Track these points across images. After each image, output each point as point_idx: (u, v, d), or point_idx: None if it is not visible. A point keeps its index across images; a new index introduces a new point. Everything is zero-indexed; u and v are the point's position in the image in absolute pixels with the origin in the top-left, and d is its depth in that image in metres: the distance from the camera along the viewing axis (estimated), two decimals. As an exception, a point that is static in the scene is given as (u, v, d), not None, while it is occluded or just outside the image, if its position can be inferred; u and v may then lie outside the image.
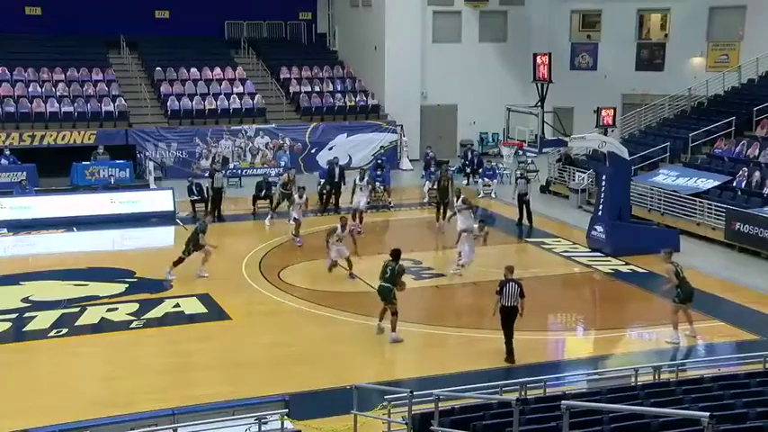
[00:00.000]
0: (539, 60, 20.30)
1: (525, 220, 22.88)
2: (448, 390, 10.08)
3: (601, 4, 33.56)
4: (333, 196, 24.88)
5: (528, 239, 21.64)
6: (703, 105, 28.84)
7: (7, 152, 26.95)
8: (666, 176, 24.25)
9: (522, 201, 22.96)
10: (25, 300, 16.44)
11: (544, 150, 22.34)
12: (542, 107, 19.93)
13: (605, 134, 23.99)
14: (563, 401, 7.71)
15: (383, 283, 14.43)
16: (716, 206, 21.22)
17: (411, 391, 9.58)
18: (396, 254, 14.67)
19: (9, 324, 15.12)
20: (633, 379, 10.94)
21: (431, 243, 22.03)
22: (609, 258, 19.56)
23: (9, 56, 30.59)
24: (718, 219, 20.96)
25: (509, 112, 21.37)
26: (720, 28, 30.99)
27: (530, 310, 16.25)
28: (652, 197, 23.28)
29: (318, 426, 10.40)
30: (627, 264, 19.19)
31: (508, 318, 13.43)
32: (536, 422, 8.57)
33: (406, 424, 9.63)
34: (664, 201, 22.85)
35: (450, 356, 14.01)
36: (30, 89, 29.60)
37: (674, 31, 32.29)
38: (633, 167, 22.94)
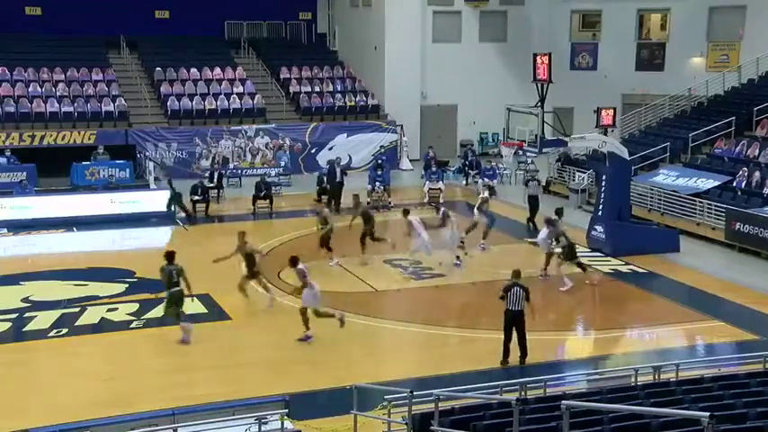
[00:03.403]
0: (539, 60, 20.28)
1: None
2: (448, 390, 10.08)
3: (601, 4, 33.56)
4: (334, 197, 24.87)
5: (527, 239, 21.63)
6: (703, 105, 28.85)
7: (7, 152, 26.95)
8: (666, 176, 24.25)
9: (533, 203, 23.00)
10: (25, 300, 16.44)
11: (544, 150, 22.29)
12: (542, 107, 19.92)
13: (605, 134, 23.94)
14: (563, 401, 7.71)
15: (176, 288, 14.31)
16: (716, 206, 21.22)
17: (411, 391, 9.58)
18: (293, 261, 14.57)
19: (9, 324, 15.12)
20: (633, 379, 10.94)
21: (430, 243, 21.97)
22: (609, 258, 19.56)
23: (9, 56, 30.59)
24: (718, 219, 20.96)
25: (509, 112, 21.35)
26: (720, 28, 31.00)
27: (530, 310, 16.34)
28: (652, 197, 23.28)
29: (318, 426, 10.40)
30: (627, 264, 19.19)
31: (513, 322, 13.28)
32: (536, 422, 8.57)
33: (405, 424, 9.63)
34: (664, 201, 22.85)
35: (450, 356, 14.01)
36: (30, 89, 29.60)
37: (674, 31, 32.31)
38: (633, 167, 22.94)
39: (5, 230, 22.07)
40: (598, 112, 25.70)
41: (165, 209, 23.30)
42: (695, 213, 21.73)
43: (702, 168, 24.20)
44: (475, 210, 20.53)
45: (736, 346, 14.42)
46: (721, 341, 14.83)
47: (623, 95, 32.22)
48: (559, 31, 33.90)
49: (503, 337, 13.34)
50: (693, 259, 19.61)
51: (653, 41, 33.34)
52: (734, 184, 22.44)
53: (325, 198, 25.25)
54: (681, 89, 29.62)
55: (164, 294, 14.38)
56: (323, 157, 29.59)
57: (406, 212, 19.26)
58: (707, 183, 22.90)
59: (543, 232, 18.23)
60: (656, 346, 14.85)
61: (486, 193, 20.96)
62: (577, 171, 26.52)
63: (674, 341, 15.12)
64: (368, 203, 25.39)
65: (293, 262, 14.56)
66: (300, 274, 14.37)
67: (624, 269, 18.96)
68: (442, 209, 19.41)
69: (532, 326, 15.42)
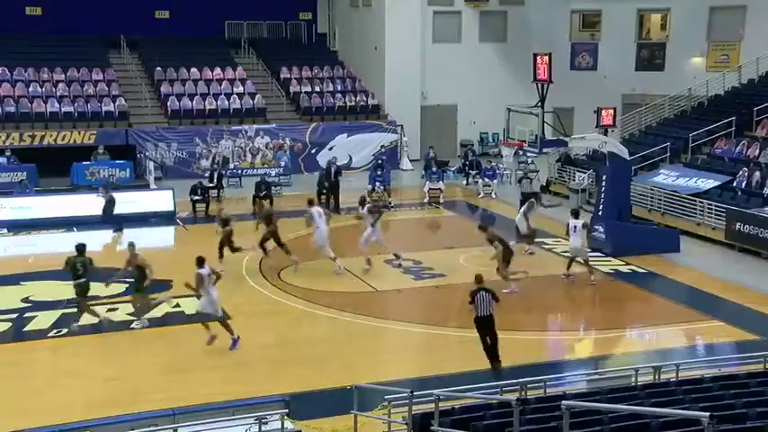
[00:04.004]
0: (539, 60, 20.28)
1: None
2: (448, 390, 10.08)
3: (601, 4, 33.57)
4: (332, 196, 24.89)
5: (545, 203, 21.59)
6: (703, 105, 28.85)
7: (7, 152, 26.95)
8: (667, 176, 24.25)
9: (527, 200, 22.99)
10: (25, 300, 16.45)
11: (544, 150, 22.30)
12: (542, 107, 19.92)
13: (605, 134, 23.97)
14: (563, 401, 7.72)
15: (80, 281, 14.51)
16: (716, 206, 21.21)
17: (411, 391, 9.58)
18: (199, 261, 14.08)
19: (9, 324, 15.13)
20: (633, 379, 10.94)
21: (431, 243, 22.02)
22: (609, 258, 19.55)
23: (9, 56, 30.59)
24: (718, 219, 20.96)
25: (509, 113, 21.34)
26: (720, 28, 31.01)
27: (530, 310, 16.37)
28: (652, 197, 23.27)
29: (319, 426, 10.40)
30: (627, 264, 19.19)
31: (484, 327, 13.07)
32: (536, 422, 8.56)
33: (406, 424, 9.63)
34: (664, 201, 22.84)
35: (450, 356, 14.00)
36: (30, 89, 29.60)
37: (675, 31, 32.32)
38: (633, 167, 22.94)
39: (5, 230, 22.07)
40: (598, 112, 25.74)
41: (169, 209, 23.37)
42: (695, 213, 21.73)
43: (703, 168, 24.20)
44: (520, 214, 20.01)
45: (736, 347, 14.41)
46: (721, 341, 14.82)
47: (623, 95, 32.23)
48: (559, 31, 33.90)
49: (481, 343, 13.10)
50: (693, 259, 19.60)
51: (653, 41, 33.35)
52: (734, 185, 22.44)
53: (324, 198, 25.27)
54: (681, 89, 29.62)
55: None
56: (323, 157, 29.58)
57: (310, 202, 19.15)
58: (707, 183, 22.90)
59: (573, 240, 17.82)
60: (656, 347, 14.85)
61: (533, 199, 20.86)
62: (577, 171, 26.52)
63: (675, 341, 15.11)
64: (366, 203, 25.39)
65: (199, 262, 13.98)
66: (197, 278, 13.86)
67: (624, 269, 18.95)
68: (367, 206, 18.98)
69: (532, 326, 15.47)
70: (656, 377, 11.18)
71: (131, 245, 15.55)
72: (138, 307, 15.16)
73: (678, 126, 27.97)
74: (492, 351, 13.11)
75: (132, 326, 14.99)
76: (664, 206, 22.79)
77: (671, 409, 8.16)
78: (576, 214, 18.19)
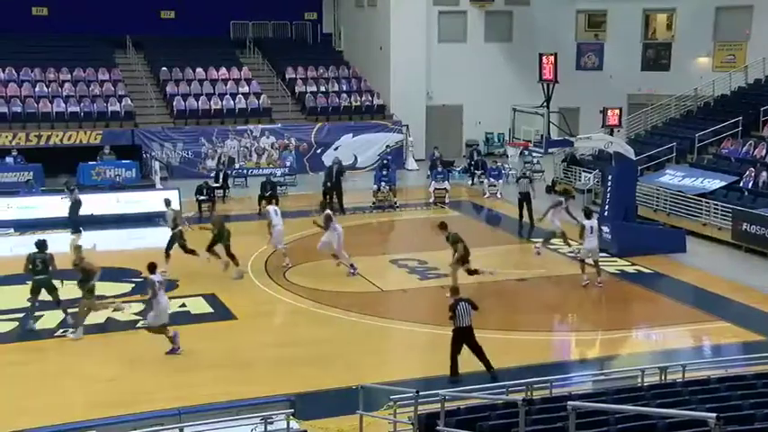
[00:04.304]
0: (544, 60, 20.27)
1: (526, 219, 22.90)
2: (454, 390, 10.09)
3: (606, 4, 33.51)
4: (332, 196, 24.88)
5: (533, 240, 21.59)
6: (710, 105, 28.78)
7: (14, 152, 27.02)
8: (673, 177, 24.20)
9: (525, 200, 22.99)
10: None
11: (550, 150, 22.31)
12: (548, 107, 19.91)
13: (611, 134, 23.92)
14: (569, 402, 7.70)
15: (40, 277, 14.53)
16: (722, 206, 21.16)
17: (417, 391, 9.58)
18: (150, 267, 13.89)
19: (16, 323, 15.17)
20: (639, 380, 10.91)
21: (436, 243, 21.96)
22: (615, 258, 19.51)
23: (16, 56, 30.67)
24: (724, 219, 20.90)
25: (515, 113, 21.34)
26: (727, 28, 30.92)
27: (536, 311, 16.36)
28: (658, 197, 23.22)
29: (324, 426, 10.41)
30: (633, 264, 19.15)
31: (465, 338, 12.80)
32: (542, 423, 8.55)
33: (411, 424, 9.62)
34: (670, 201, 22.79)
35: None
36: (36, 89, 29.67)
37: (681, 30, 32.26)
38: (639, 167, 22.90)
39: (12, 230, 22.12)
40: (604, 112, 25.69)
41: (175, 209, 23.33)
42: (701, 214, 21.67)
43: (709, 168, 24.14)
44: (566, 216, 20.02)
45: (742, 347, 14.38)
46: (728, 342, 14.78)
47: (629, 95, 32.17)
48: (565, 31, 33.85)
49: (450, 353, 12.80)
50: (700, 260, 19.55)
51: (659, 41, 33.29)
52: (740, 185, 22.38)
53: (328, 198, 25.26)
54: (687, 89, 29.55)
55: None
56: (328, 157, 29.58)
57: (269, 201, 19.17)
58: (713, 183, 22.83)
59: (590, 241, 17.57)
60: (662, 347, 14.81)
61: (562, 198, 20.84)
62: (583, 171, 26.48)
63: (681, 342, 15.08)
64: (373, 203, 25.45)
65: (150, 268, 13.81)
66: (149, 284, 13.69)
67: (630, 269, 18.92)
68: (327, 211, 18.80)
69: (538, 326, 15.44)
70: (663, 378, 11.14)
71: (78, 247, 15.28)
72: (81, 312, 14.62)
73: (684, 126, 27.90)
74: (483, 359, 12.85)
75: (66, 334, 14.55)
76: (670, 206, 22.74)
77: (678, 410, 8.15)
78: (588, 214, 17.97)
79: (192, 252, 18.27)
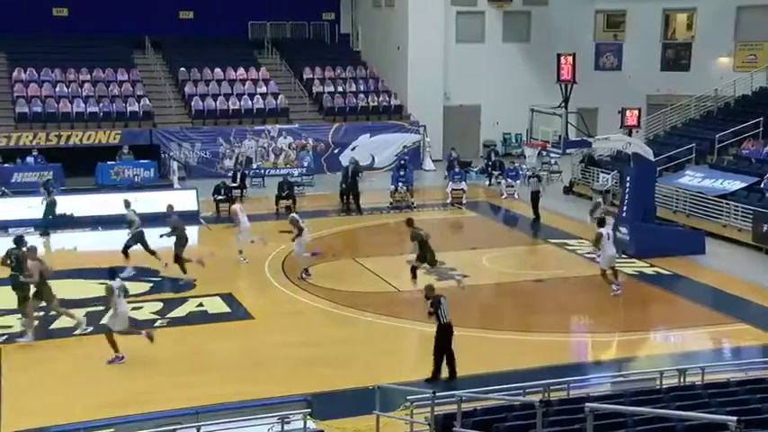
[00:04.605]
0: (563, 61, 20.20)
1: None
2: (470, 391, 10.05)
3: (626, 4, 33.31)
4: (348, 196, 24.92)
5: (551, 240, 21.51)
6: (730, 106, 28.55)
7: (34, 152, 27.25)
8: (692, 178, 24.03)
9: (535, 197, 23.21)
10: (52, 298, 16.57)
11: (568, 151, 22.23)
12: (566, 108, 19.84)
13: (630, 135, 23.80)
14: (587, 404, 7.65)
15: (12, 272, 14.34)
16: (742, 208, 20.98)
17: (434, 392, 9.57)
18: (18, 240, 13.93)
19: (36, 322, 15.24)
20: (658, 382, 10.83)
21: (454, 243, 21.97)
22: (633, 260, 19.39)
23: (37, 56, 30.94)
24: (744, 221, 20.72)
25: (533, 113, 21.28)
26: (748, 28, 30.63)
27: (554, 312, 16.28)
28: (677, 198, 23.06)
29: (341, 426, 10.41)
30: (651, 266, 19.02)
31: (449, 334, 12.60)
32: (559, 424, 8.51)
33: (428, 425, 9.60)
34: (689, 202, 22.62)
35: (472, 357, 13.91)
36: (56, 89, 29.91)
37: (701, 30, 32.01)
38: (658, 168, 22.74)
39: (32, 229, 22.28)
40: (622, 112, 25.56)
41: (193, 209, 23.42)
42: (721, 215, 21.49)
43: (729, 170, 23.93)
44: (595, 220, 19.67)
45: (762, 350, 14.23)
46: (748, 344, 14.63)
47: (648, 96, 31.95)
48: (583, 31, 33.68)
49: (434, 353, 12.65)
50: (719, 261, 19.39)
51: (679, 41, 33.05)
52: (761, 186, 22.16)
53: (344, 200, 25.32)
54: (707, 89, 29.32)
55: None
56: (346, 158, 29.58)
57: (233, 200, 19.65)
58: (733, 184, 22.64)
59: (610, 249, 17.19)
60: (680, 349, 14.70)
61: (600, 199, 20.73)
62: (601, 172, 26.34)
63: (700, 344, 14.96)
64: (390, 204, 25.45)
65: (110, 274, 13.69)
66: (107, 290, 13.45)
67: (649, 271, 18.79)
68: (291, 215, 18.69)
69: (555, 327, 15.37)
70: (682, 380, 11.06)
71: (32, 249, 14.92)
72: (24, 315, 14.36)
73: (704, 127, 27.69)
74: (451, 362, 12.64)
75: (18, 340, 14.31)
76: (689, 208, 22.57)
77: (697, 413, 8.07)
78: (602, 223, 17.58)
79: (153, 253, 18.24)
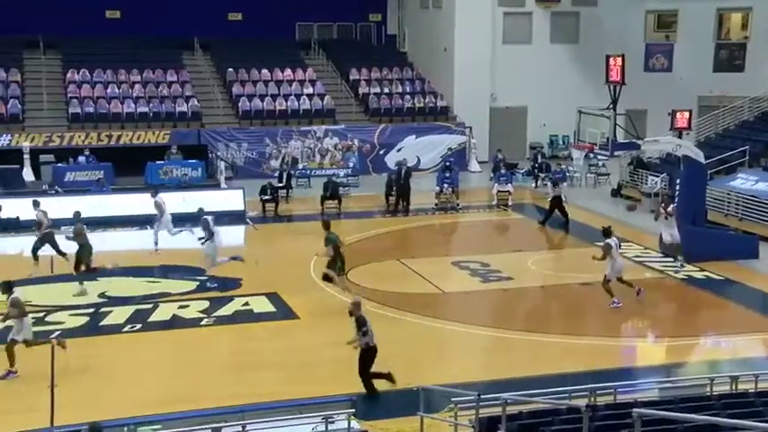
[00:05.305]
0: (611, 62, 19.96)
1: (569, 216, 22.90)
2: (516, 393, 9.95)
3: (678, 4, 32.73)
4: (401, 198, 24.95)
5: (597, 243, 21.19)
6: (786, 108, 27.88)
7: (86, 152, 27.78)
8: (745, 181, 23.50)
9: (558, 202, 22.92)
10: (102, 295, 16.89)
11: (616, 153, 21.92)
12: (614, 109, 19.57)
13: (680, 137, 23.36)
14: (634, 409, 7.50)
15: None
16: (797, 212, 20.47)
17: (479, 394, 9.49)
18: None
19: (87, 318, 15.56)
20: (708, 388, 10.60)
21: (499, 245, 21.82)
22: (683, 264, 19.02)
23: (89, 58, 31.53)
24: (799, 225, 20.21)
25: (580, 115, 21.03)
26: (804, 27, 29.90)
27: (601, 315, 16.07)
28: (729, 202, 22.57)
29: (385, 426, 10.41)
30: (702, 270, 18.64)
31: (374, 358, 12.08)
32: (606, 429, 8.37)
33: (473, 427, 9.53)
34: (742, 206, 22.13)
35: (517, 360, 13.84)
36: (108, 90, 30.44)
37: (756, 30, 31.30)
38: (709, 171, 22.29)
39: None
40: (672, 114, 25.11)
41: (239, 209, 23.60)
42: (775, 219, 20.99)
43: (784, 173, 23.39)
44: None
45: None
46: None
47: (699, 97, 31.33)
48: (633, 31, 33.17)
49: (364, 375, 12.21)
50: (773, 267, 18.93)
51: (733, 42, 32.36)
52: (817, 189, 21.61)
53: (392, 200, 25.32)
54: (762, 91, 28.66)
55: None
56: (391, 159, 29.62)
57: (154, 194, 19.76)
58: (788, 188, 22.09)
59: (619, 259, 16.80)
60: (732, 356, 14.37)
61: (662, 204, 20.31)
62: (650, 175, 25.92)
63: (752, 350, 14.60)
64: (435, 205, 25.39)
65: (7, 287, 12.90)
66: (11, 304, 12.81)
67: (699, 275, 18.42)
68: (205, 218, 17.80)
69: (603, 331, 15.15)
70: (734, 387, 10.80)
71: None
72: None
73: (758, 129, 27.07)
74: (381, 376, 12.21)
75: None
76: (741, 211, 22.08)
77: (751, 422, 7.86)
78: (608, 233, 16.63)
79: (63, 255, 18.00)
